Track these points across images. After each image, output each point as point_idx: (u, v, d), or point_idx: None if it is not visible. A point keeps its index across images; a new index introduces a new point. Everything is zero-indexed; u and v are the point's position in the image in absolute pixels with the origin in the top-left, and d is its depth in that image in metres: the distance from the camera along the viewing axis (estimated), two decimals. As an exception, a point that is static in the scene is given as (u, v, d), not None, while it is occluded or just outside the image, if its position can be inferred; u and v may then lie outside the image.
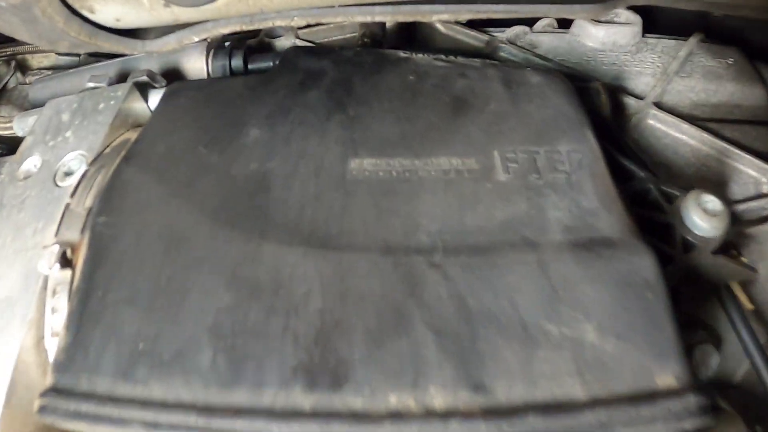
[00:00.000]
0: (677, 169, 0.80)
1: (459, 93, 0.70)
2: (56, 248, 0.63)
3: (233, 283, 0.53)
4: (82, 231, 0.66)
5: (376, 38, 0.84)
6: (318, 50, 0.76)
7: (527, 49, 0.95)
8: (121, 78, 0.88)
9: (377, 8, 0.66)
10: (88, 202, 0.68)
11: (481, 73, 0.73)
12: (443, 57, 0.77)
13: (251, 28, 0.66)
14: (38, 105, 0.96)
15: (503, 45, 0.95)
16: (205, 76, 0.89)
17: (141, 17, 0.64)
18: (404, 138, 0.65)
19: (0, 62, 1.05)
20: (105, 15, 0.65)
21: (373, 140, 0.65)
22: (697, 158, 0.81)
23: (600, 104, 0.78)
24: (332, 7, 0.65)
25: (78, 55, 1.07)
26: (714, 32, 0.96)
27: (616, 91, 0.86)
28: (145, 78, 0.84)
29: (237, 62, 0.88)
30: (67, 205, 0.69)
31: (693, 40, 0.94)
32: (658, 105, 0.85)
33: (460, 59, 0.78)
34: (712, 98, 0.87)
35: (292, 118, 0.67)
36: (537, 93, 0.72)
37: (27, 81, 1.05)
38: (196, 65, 0.89)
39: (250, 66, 0.89)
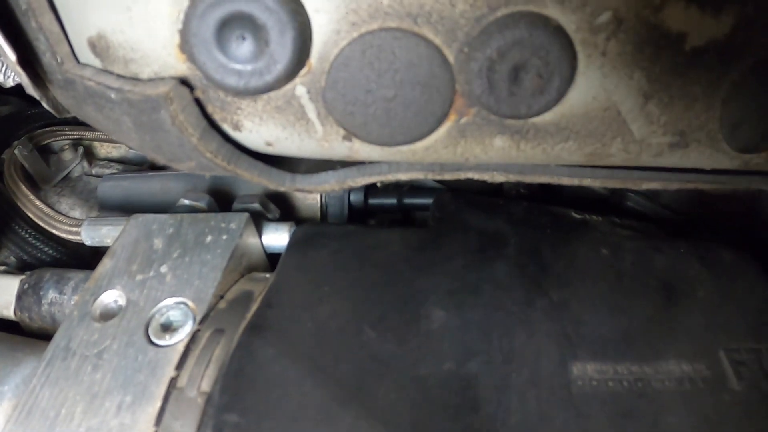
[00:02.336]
0: None
1: (663, 275, 0.57)
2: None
3: None
4: (199, 429, 0.47)
5: (532, 189, 0.72)
6: (479, 202, 0.63)
7: (652, 199, 0.85)
8: (218, 197, 0.71)
9: (587, 171, 0.53)
10: (205, 383, 0.49)
11: (675, 248, 0.61)
12: (617, 220, 0.65)
13: (437, 178, 0.51)
14: (107, 205, 0.78)
15: (630, 194, 0.85)
16: (317, 205, 0.74)
17: (304, 146, 0.48)
18: (625, 336, 0.51)
19: (67, 146, 0.86)
20: (254, 136, 0.49)
21: (591, 338, 0.50)
22: None
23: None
24: (542, 166, 0.51)
25: (148, 152, 0.90)
26: None
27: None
28: (257, 206, 0.67)
29: (357, 196, 0.73)
30: (173, 382, 0.50)
31: None
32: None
33: (636, 224, 0.66)
34: None
35: (485, 300, 0.51)
36: (736, 274, 0.60)
37: (93, 171, 0.87)
38: (308, 194, 0.74)
39: (370, 201, 0.74)
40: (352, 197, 0.72)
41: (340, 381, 0.46)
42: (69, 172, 0.86)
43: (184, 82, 0.45)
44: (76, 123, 0.88)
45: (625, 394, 0.47)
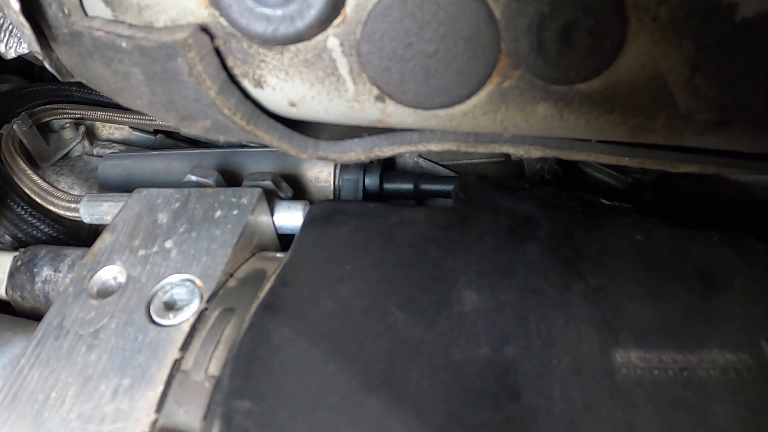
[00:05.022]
0: None
1: (699, 263, 0.52)
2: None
3: None
4: (207, 416, 0.40)
5: (557, 175, 0.67)
6: (505, 184, 0.58)
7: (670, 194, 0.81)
8: (226, 176, 0.65)
9: (626, 150, 0.48)
10: (213, 366, 0.43)
11: (708, 237, 0.56)
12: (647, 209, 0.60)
13: (470, 150, 0.46)
14: (106, 185, 0.72)
15: (648, 189, 0.80)
16: (329, 187, 0.68)
17: (331, 107, 0.42)
18: (666, 323, 0.46)
19: (67, 125, 0.79)
20: (278, 95, 0.43)
21: (632, 325, 0.45)
22: None
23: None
24: (583, 141, 0.46)
25: (153, 132, 0.83)
26: None
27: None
28: (270, 184, 0.61)
29: (372, 180, 0.67)
30: (176, 364, 0.44)
31: None
32: None
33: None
34: None
35: (518, 282, 0.45)
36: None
37: (94, 151, 0.80)
38: (321, 175, 0.68)
39: (386, 186, 0.68)
40: (367, 180, 0.66)
41: (366, 365, 0.40)
42: (69, 151, 0.79)
43: (204, 29, 0.39)
44: (78, 102, 0.82)
45: (672, 384, 0.42)
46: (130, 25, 0.41)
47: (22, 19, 0.46)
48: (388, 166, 0.73)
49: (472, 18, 0.38)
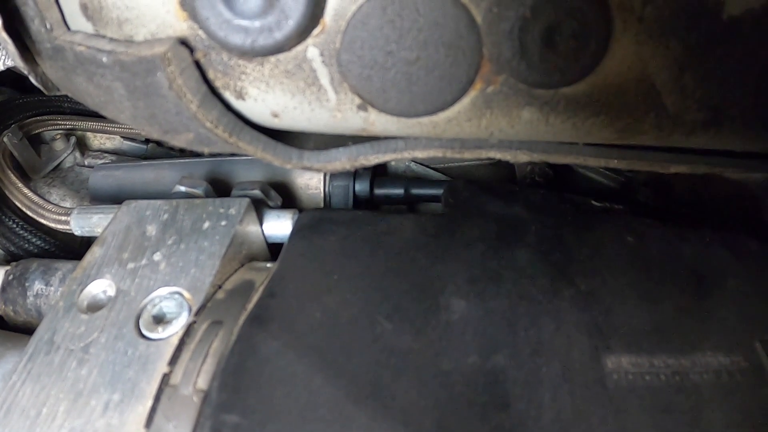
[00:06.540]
0: None
1: (691, 264, 0.52)
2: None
3: None
4: (195, 430, 0.40)
5: (548, 177, 0.66)
6: (494, 188, 0.57)
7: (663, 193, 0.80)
8: (216, 185, 0.64)
9: (615, 152, 0.47)
10: (201, 380, 0.43)
11: (701, 237, 0.56)
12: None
13: (456, 156, 0.45)
14: (98, 196, 0.71)
15: (642, 188, 0.80)
16: (319, 194, 0.67)
17: (314, 117, 0.42)
18: (658, 327, 0.45)
19: (58, 136, 0.79)
20: (260, 106, 0.42)
21: (624, 329, 0.44)
22: None
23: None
24: (570, 144, 0.46)
25: (145, 141, 0.83)
26: None
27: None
28: (258, 193, 0.61)
29: (362, 186, 0.66)
30: (165, 378, 0.43)
31: None
32: None
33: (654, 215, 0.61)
34: None
35: (507, 288, 0.45)
36: (764, 264, 0.55)
37: (85, 162, 0.79)
38: (311, 182, 0.67)
39: (376, 191, 0.67)
40: (357, 186, 0.66)
41: (354, 377, 0.39)
42: (60, 163, 0.78)
43: (184, 43, 0.38)
44: (69, 113, 0.81)
45: (664, 389, 0.41)
46: (111, 40, 0.41)
47: (4, 35, 0.45)
48: (378, 171, 0.73)
49: (452, 24, 0.37)
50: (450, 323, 0.42)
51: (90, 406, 0.43)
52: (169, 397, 0.42)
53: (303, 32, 0.36)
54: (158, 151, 0.82)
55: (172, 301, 0.49)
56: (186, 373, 0.43)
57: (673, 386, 0.42)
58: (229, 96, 0.41)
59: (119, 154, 0.81)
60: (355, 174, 0.66)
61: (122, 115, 0.45)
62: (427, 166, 0.77)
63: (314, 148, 0.48)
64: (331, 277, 0.47)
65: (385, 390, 0.38)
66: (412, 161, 0.76)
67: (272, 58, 0.38)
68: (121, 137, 0.81)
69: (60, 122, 0.80)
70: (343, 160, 0.46)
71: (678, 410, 0.40)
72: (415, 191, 0.67)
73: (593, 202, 0.58)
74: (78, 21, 0.44)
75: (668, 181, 0.78)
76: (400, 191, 0.67)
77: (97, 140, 0.83)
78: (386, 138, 0.46)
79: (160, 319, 0.48)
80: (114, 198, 0.71)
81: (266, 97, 0.41)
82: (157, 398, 0.42)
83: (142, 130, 0.45)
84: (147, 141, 0.82)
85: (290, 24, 0.35)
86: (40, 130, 0.80)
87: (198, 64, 0.39)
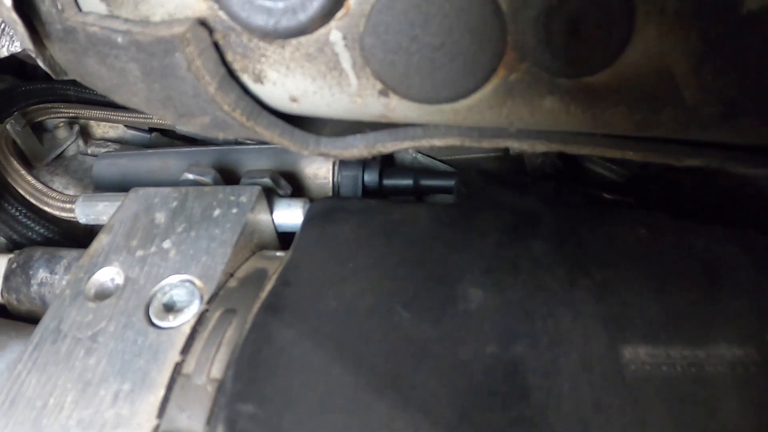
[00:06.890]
0: None
1: (704, 258, 0.52)
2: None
3: None
4: (210, 421, 0.39)
5: (559, 169, 0.66)
6: (507, 179, 0.57)
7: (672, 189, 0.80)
8: (223, 174, 0.64)
9: (631, 143, 0.47)
10: (215, 369, 0.42)
11: (712, 231, 0.56)
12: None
13: (474, 145, 0.45)
14: (102, 185, 0.70)
15: (650, 184, 0.79)
16: (328, 184, 0.67)
17: (334, 102, 0.41)
18: (673, 318, 0.45)
19: (61, 124, 0.78)
20: (279, 90, 0.41)
21: (640, 320, 0.44)
22: None
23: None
24: (587, 135, 0.45)
25: (149, 131, 0.82)
26: None
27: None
28: (268, 181, 0.60)
29: (371, 176, 0.66)
30: (178, 367, 0.43)
31: None
32: None
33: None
34: None
35: (523, 278, 0.45)
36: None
37: (89, 151, 0.78)
38: (320, 171, 0.67)
39: (385, 182, 0.67)
40: (366, 177, 0.65)
41: (373, 366, 0.39)
42: (63, 151, 0.77)
43: (203, 23, 0.38)
44: (72, 101, 0.80)
45: (680, 379, 0.41)
46: (126, 20, 0.40)
47: (14, 15, 0.44)
48: (386, 162, 0.72)
49: (478, 10, 0.37)
50: (468, 313, 0.42)
51: (99, 396, 0.42)
52: (182, 386, 0.42)
53: (327, 14, 0.36)
54: (162, 140, 0.81)
55: (183, 289, 0.48)
56: (199, 362, 0.42)
57: (689, 377, 0.42)
58: (246, 79, 0.41)
59: (123, 143, 0.80)
60: (364, 164, 0.66)
61: (135, 98, 0.44)
62: (434, 158, 0.77)
63: (330, 134, 0.47)
64: (346, 266, 0.46)
65: (404, 379, 0.38)
66: (419, 153, 0.76)
67: (294, 41, 0.38)
68: (125, 126, 0.80)
69: (63, 110, 0.79)
70: (359, 146, 0.46)
71: (695, 401, 0.40)
72: (425, 182, 0.67)
73: (605, 195, 0.58)
74: (90, 1, 0.43)
75: (675, 177, 0.78)
76: (409, 182, 0.66)
77: (101, 129, 0.81)
78: (404, 125, 0.46)
79: (170, 308, 0.48)
80: (118, 186, 0.70)
81: (285, 81, 0.40)
82: (170, 388, 0.41)
83: (156, 113, 0.44)
84: (151, 130, 0.81)
85: (314, 6, 0.35)
86: (43, 118, 0.79)
87: (217, 46, 0.38)
